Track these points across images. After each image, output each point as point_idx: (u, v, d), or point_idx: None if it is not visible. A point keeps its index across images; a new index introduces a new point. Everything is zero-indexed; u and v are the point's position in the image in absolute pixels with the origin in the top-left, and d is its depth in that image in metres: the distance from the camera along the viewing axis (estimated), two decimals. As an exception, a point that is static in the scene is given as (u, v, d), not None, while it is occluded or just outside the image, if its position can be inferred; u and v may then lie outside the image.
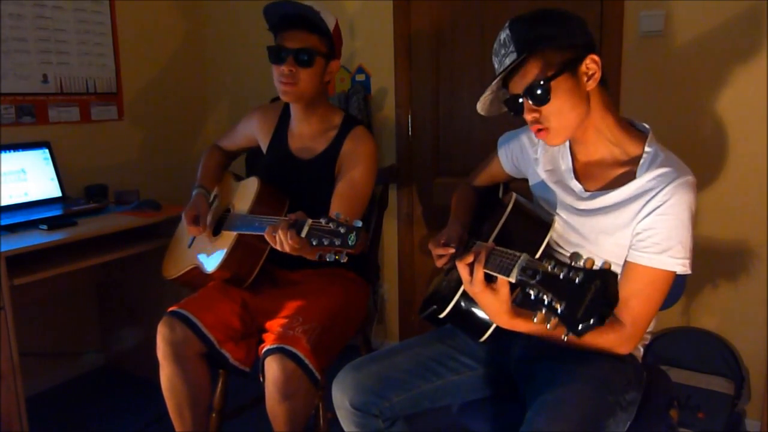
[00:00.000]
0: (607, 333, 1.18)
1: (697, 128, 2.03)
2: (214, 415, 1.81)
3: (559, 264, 0.91)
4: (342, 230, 1.25)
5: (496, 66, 1.24)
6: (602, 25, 2.13)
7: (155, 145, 2.90)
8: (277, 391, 1.49)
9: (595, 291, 0.86)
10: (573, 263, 0.90)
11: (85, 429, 2.25)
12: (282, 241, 1.37)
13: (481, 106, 1.28)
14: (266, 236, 1.42)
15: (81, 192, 2.49)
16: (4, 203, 2.15)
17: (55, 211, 2.16)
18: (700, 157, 2.03)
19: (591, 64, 1.17)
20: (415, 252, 2.69)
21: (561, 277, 0.89)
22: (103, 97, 2.64)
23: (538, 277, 0.93)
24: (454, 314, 1.27)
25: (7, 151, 2.22)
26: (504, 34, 1.20)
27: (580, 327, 0.86)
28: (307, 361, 1.49)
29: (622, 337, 1.19)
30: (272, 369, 1.49)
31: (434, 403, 1.38)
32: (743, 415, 2.02)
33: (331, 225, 1.27)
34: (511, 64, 1.16)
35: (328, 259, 1.28)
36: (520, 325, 1.15)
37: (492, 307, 1.13)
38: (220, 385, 1.82)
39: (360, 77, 2.67)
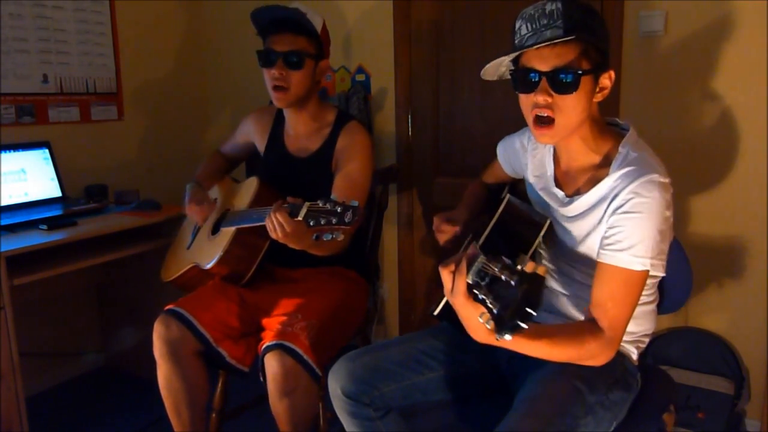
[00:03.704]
0: (588, 342, 1.12)
1: (697, 128, 2.02)
2: (214, 415, 1.81)
3: (504, 267, 0.91)
4: (339, 209, 1.28)
5: (524, 32, 1.16)
6: (602, 25, 2.13)
7: (155, 145, 2.90)
8: (277, 387, 1.49)
9: (523, 293, 0.87)
10: (519, 267, 0.90)
11: (85, 429, 2.25)
12: (275, 225, 1.38)
13: (484, 71, 1.26)
14: (266, 222, 1.43)
15: (81, 192, 2.49)
16: (4, 203, 2.15)
17: (55, 211, 2.16)
18: (700, 157, 2.03)
19: (606, 80, 1.18)
20: (415, 252, 2.69)
21: (503, 278, 0.90)
22: (103, 97, 2.64)
23: (486, 280, 0.94)
24: (446, 311, 1.27)
25: (7, 151, 2.22)
26: (553, 6, 1.12)
27: (505, 329, 0.88)
28: (306, 357, 1.49)
29: (602, 344, 1.13)
30: (272, 366, 1.49)
31: (427, 396, 1.39)
32: (743, 415, 2.02)
33: (328, 205, 1.29)
34: (554, 38, 1.10)
35: (325, 239, 1.29)
36: (496, 342, 1.01)
37: (471, 320, 1.02)
38: (219, 384, 1.82)
39: (360, 77, 2.67)
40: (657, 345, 2.09)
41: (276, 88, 1.71)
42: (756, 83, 1.91)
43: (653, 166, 1.17)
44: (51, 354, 2.55)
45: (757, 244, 1.98)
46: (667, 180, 1.16)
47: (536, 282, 0.88)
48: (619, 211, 1.15)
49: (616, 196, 1.16)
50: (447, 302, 1.25)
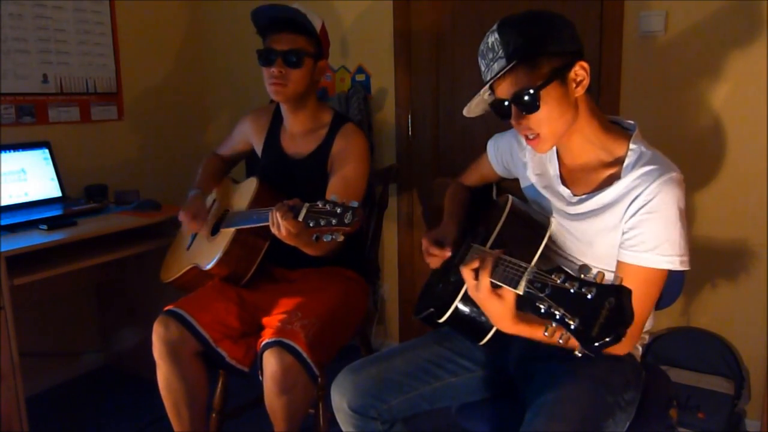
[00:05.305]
0: None
1: (697, 128, 2.02)
2: (214, 415, 1.81)
3: (569, 278, 0.89)
4: (338, 210, 1.27)
5: (482, 69, 1.22)
6: (602, 25, 2.13)
7: (155, 145, 2.90)
8: (275, 385, 1.49)
9: (610, 308, 0.84)
10: (583, 277, 0.88)
11: (85, 429, 2.25)
12: (278, 224, 1.39)
13: (466, 110, 1.27)
14: (269, 219, 1.43)
15: (81, 192, 2.49)
16: (4, 203, 2.15)
17: (55, 211, 2.16)
18: (700, 157, 2.03)
19: (580, 71, 1.16)
20: (415, 252, 2.69)
21: (572, 291, 0.87)
22: (103, 97, 2.64)
23: (547, 291, 0.91)
24: (454, 319, 1.26)
25: (7, 151, 2.22)
26: (492, 38, 1.16)
27: (596, 344, 0.84)
28: (305, 355, 1.49)
29: (624, 341, 1.16)
30: (270, 362, 1.49)
31: (433, 405, 1.38)
32: (743, 415, 2.02)
33: (327, 206, 1.29)
34: (500, 71, 1.14)
35: (325, 240, 1.29)
36: (523, 330, 1.13)
37: (496, 312, 1.10)
38: (220, 385, 1.82)
39: (360, 77, 2.67)
40: (657, 345, 2.08)
41: (274, 84, 1.71)
42: (756, 83, 1.91)
43: (670, 164, 1.18)
44: (51, 354, 2.55)
45: (757, 245, 1.98)
46: (683, 176, 1.17)
47: (624, 294, 0.84)
48: (643, 210, 1.15)
49: (639, 195, 1.15)
50: (454, 310, 1.24)
